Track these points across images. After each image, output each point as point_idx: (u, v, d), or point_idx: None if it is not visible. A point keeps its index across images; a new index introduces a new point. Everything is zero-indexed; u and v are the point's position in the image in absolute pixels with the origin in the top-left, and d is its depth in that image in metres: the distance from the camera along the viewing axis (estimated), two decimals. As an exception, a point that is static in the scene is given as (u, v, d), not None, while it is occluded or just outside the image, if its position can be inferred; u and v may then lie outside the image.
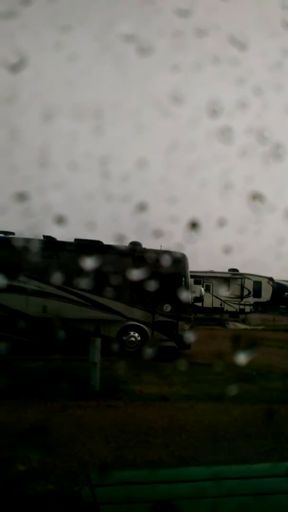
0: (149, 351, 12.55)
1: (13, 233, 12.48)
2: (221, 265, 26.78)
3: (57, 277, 11.81)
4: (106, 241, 11.34)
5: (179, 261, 12.92)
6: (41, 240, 12.51)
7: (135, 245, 13.18)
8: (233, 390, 8.70)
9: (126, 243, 12.86)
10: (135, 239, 13.13)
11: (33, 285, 12.25)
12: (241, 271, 28.48)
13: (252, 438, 6.01)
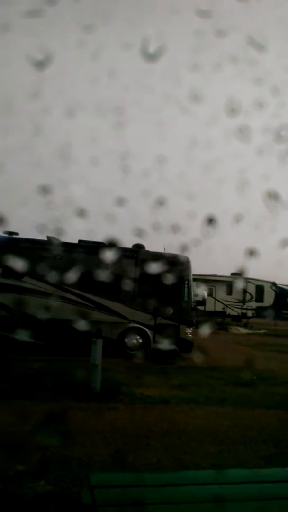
0: (150, 354, 12.57)
1: (17, 234, 12.52)
2: (225, 268, 26.74)
3: (60, 278, 11.84)
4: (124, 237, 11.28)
5: (183, 264, 12.92)
6: (45, 241, 12.55)
7: (138, 247, 13.20)
8: (233, 394, 8.71)
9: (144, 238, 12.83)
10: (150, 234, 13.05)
11: (35, 286, 12.27)
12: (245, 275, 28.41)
13: (252, 443, 5.99)
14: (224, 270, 27.41)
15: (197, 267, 14.59)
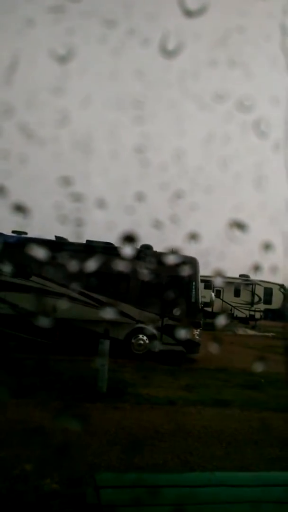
0: (157, 355, 12.56)
1: (25, 233, 12.59)
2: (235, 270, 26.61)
3: (67, 278, 11.88)
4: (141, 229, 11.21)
5: (190, 265, 12.89)
6: (53, 240, 12.59)
7: (146, 248, 13.19)
8: (240, 396, 8.67)
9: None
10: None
11: (43, 285, 12.33)
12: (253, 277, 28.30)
13: (258, 445, 5.97)
14: (232, 271, 27.27)
15: (205, 268, 14.47)
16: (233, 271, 27.62)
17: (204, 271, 14.34)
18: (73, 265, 11.93)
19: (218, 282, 27.23)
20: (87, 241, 12.65)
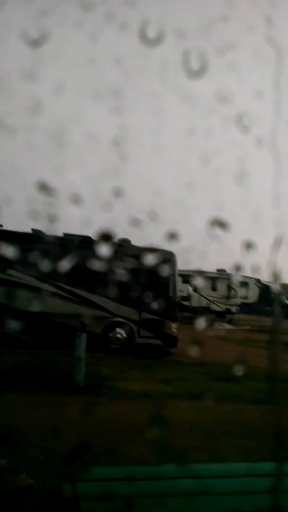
0: (134, 348, 12.59)
1: (0, 225, 12.37)
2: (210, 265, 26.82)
3: (44, 272, 11.75)
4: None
5: (168, 259, 12.92)
6: (29, 233, 12.42)
7: (124, 241, 13.15)
8: (217, 389, 8.77)
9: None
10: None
11: (19, 279, 12.17)
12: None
13: (234, 437, 6.05)
14: (210, 266, 27.49)
15: (183, 263, 14.56)
16: (214, 269, 27.90)
17: (182, 265, 14.43)
18: (50, 259, 11.80)
19: (195, 276, 27.44)
20: (64, 234, 12.52)
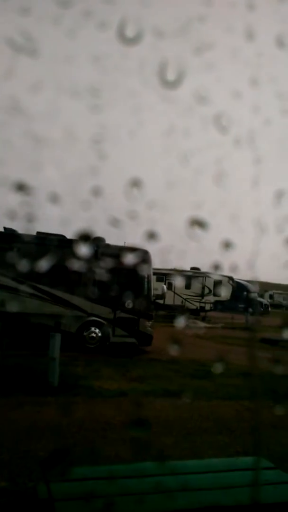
0: (109, 347, 12.57)
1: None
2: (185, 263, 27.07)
3: (16, 271, 11.58)
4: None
5: (142, 258, 12.93)
6: (1, 232, 12.21)
7: (98, 240, 13.09)
8: (191, 386, 8.86)
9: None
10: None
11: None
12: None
13: (208, 433, 6.13)
14: (184, 264, 27.74)
15: (158, 261, 14.62)
16: (188, 267, 28.13)
17: (158, 264, 14.48)
18: (23, 258, 11.63)
19: (170, 275, 27.61)
20: (38, 233, 12.37)
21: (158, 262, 14.31)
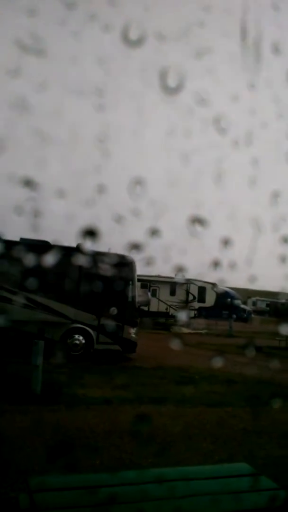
0: (93, 354, 12.47)
1: None
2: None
3: None
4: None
5: (127, 264, 12.91)
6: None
7: (83, 247, 13.01)
8: (175, 393, 8.84)
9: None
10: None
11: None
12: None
13: (192, 440, 6.11)
14: (168, 271, 27.76)
15: (142, 268, 14.61)
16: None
17: (141, 270, 14.47)
18: (5, 264, 11.49)
19: (154, 281, 27.64)
20: (21, 239, 12.25)
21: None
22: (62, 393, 8.08)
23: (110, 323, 12.81)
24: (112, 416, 7.06)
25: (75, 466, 4.87)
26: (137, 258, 11.58)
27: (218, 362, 12.87)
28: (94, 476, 2.63)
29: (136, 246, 3.18)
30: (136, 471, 3.49)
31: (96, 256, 12.62)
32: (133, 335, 13.04)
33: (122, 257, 12.69)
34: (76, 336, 12.68)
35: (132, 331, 13.04)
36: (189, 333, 24.39)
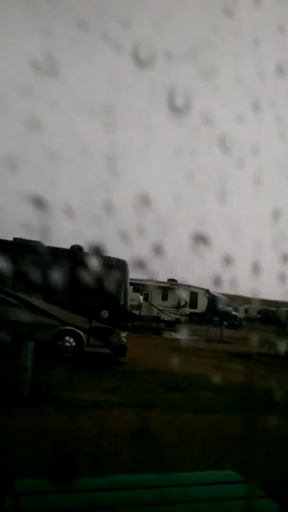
0: (83, 357, 12.42)
1: None
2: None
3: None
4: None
5: (120, 267, 12.91)
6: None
7: (76, 248, 13.01)
8: (164, 398, 8.83)
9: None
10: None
11: None
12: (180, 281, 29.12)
13: (180, 446, 6.10)
14: (161, 276, 27.78)
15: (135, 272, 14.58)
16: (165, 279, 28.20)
17: (134, 274, 14.44)
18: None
19: (146, 285, 27.61)
20: (14, 239, 12.21)
21: (136, 274, 14.24)
22: (50, 395, 8.04)
23: (101, 326, 12.77)
24: (101, 420, 7.03)
25: (59, 469, 4.84)
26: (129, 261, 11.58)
27: (207, 368, 12.88)
28: (81, 480, 2.61)
29: (140, 264, 3.20)
30: (124, 475, 3.46)
31: (90, 259, 12.59)
32: (124, 339, 13.01)
33: (115, 260, 12.69)
34: (67, 338, 12.62)
35: (123, 335, 13.01)
36: (180, 339, 24.39)
